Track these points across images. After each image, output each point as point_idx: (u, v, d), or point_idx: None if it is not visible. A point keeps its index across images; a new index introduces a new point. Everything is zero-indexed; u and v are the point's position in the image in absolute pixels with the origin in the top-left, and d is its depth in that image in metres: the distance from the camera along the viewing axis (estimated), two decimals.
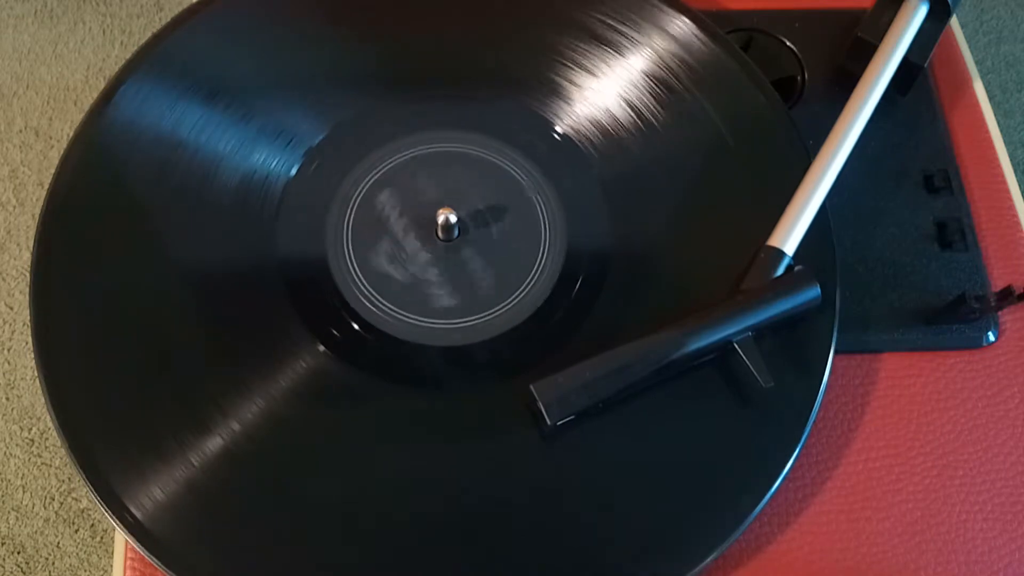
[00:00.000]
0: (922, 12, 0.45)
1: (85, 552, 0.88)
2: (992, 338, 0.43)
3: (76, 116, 1.08)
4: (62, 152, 0.41)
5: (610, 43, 0.45)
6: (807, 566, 0.38)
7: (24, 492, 0.90)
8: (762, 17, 0.49)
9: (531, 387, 0.36)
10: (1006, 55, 1.14)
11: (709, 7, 0.50)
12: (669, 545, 0.36)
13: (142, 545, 0.35)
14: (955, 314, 0.42)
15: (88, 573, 0.88)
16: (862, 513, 0.39)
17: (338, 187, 0.42)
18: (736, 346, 0.38)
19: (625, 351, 0.37)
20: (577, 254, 0.41)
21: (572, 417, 0.37)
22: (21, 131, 1.06)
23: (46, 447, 0.92)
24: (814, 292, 0.39)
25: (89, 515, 0.89)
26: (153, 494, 0.36)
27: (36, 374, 0.46)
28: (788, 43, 0.49)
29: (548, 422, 0.36)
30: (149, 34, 0.44)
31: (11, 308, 0.97)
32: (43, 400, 0.40)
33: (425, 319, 0.40)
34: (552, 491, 0.37)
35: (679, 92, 0.44)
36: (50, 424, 0.91)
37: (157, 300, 0.39)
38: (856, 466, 0.40)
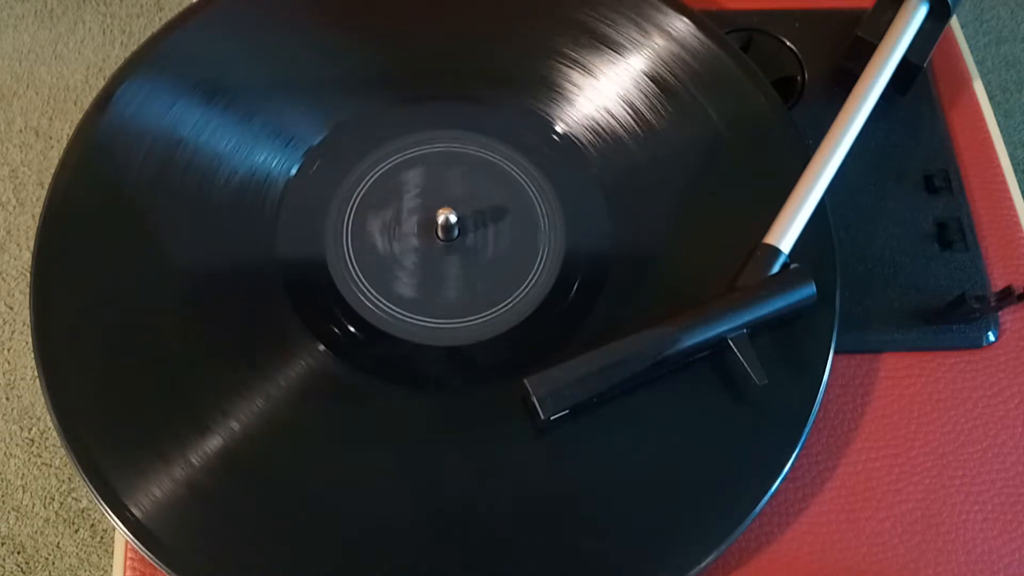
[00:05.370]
0: (922, 12, 0.45)
1: (85, 552, 0.88)
2: (992, 338, 0.43)
3: (76, 116, 1.08)
4: (62, 152, 0.41)
5: (610, 43, 0.45)
6: (807, 566, 0.38)
7: (24, 492, 0.90)
8: (762, 17, 0.49)
9: (525, 381, 0.36)
10: (1006, 55, 1.14)
11: (709, 7, 0.50)
12: (669, 545, 0.36)
13: (142, 545, 0.35)
14: (955, 314, 0.42)
15: (88, 573, 0.87)
16: (862, 513, 0.39)
17: (338, 187, 0.42)
18: (731, 343, 0.38)
19: (619, 346, 0.37)
20: (577, 254, 0.41)
21: (566, 412, 0.37)
22: (21, 131, 1.06)
23: (46, 447, 0.92)
24: (809, 290, 0.39)
25: (89, 515, 0.89)
26: (153, 494, 0.36)
27: (36, 374, 0.46)
28: (788, 43, 0.49)
29: (542, 416, 0.36)
30: (149, 34, 0.44)
31: (11, 308, 0.97)
32: (43, 400, 0.40)
33: (425, 319, 0.40)
34: (551, 491, 0.37)
35: (679, 92, 0.44)
36: (50, 424, 0.91)
37: (157, 300, 0.39)
38: (856, 466, 0.40)
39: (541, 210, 0.42)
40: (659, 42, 0.45)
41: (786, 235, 0.40)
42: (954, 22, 0.50)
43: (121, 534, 0.37)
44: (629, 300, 0.40)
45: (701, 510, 0.37)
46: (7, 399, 0.93)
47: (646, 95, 0.44)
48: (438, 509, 0.36)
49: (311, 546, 0.35)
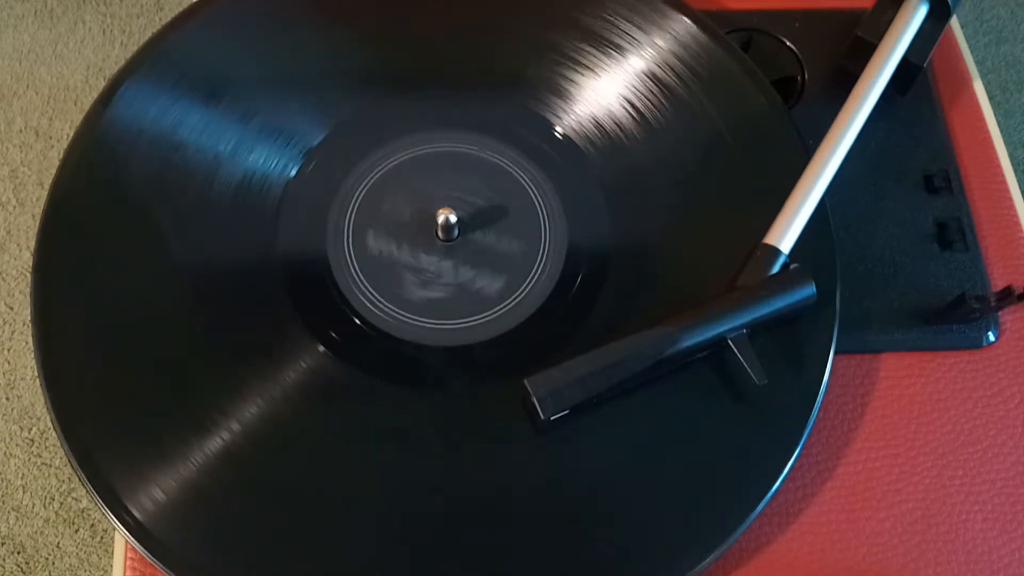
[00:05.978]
0: (922, 12, 0.45)
1: (85, 552, 0.88)
2: (992, 338, 0.43)
3: (76, 116, 1.08)
4: (62, 152, 0.41)
5: (610, 43, 0.45)
6: (807, 566, 0.38)
7: (24, 492, 0.90)
8: (762, 17, 0.49)
9: (525, 381, 0.36)
10: (1006, 55, 1.14)
11: (709, 7, 0.50)
12: (669, 545, 0.36)
13: (142, 545, 0.35)
14: (955, 314, 0.42)
15: (88, 573, 0.88)
16: (862, 513, 0.39)
17: (338, 187, 0.42)
18: (730, 343, 0.38)
19: (619, 346, 0.37)
20: (577, 254, 0.41)
21: (566, 412, 0.37)
22: (21, 131, 1.06)
23: (46, 447, 0.92)
24: (809, 290, 0.39)
25: (89, 515, 0.89)
26: (153, 494, 0.36)
27: (36, 374, 0.46)
28: (788, 43, 0.49)
29: (542, 416, 0.36)
30: (149, 34, 0.44)
31: (11, 308, 0.97)
32: (43, 400, 0.40)
33: (425, 319, 0.40)
34: (551, 492, 0.37)
35: (679, 92, 0.44)
36: (50, 424, 0.91)
37: (157, 300, 0.39)
38: (856, 466, 0.40)
39: (541, 210, 0.42)
40: (659, 42, 0.45)
41: (786, 235, 0.40)
42: (954, 22, 0.50)
43: (121, 534, 0.37)
44: (629, 300, 0.40)
45: (701, 510, 0.37)
46: (7, 399, 0.94)
47: (646, 95, 0.44)
48: (438, 509, 0.36)
49: (311, 546, 0.35)
